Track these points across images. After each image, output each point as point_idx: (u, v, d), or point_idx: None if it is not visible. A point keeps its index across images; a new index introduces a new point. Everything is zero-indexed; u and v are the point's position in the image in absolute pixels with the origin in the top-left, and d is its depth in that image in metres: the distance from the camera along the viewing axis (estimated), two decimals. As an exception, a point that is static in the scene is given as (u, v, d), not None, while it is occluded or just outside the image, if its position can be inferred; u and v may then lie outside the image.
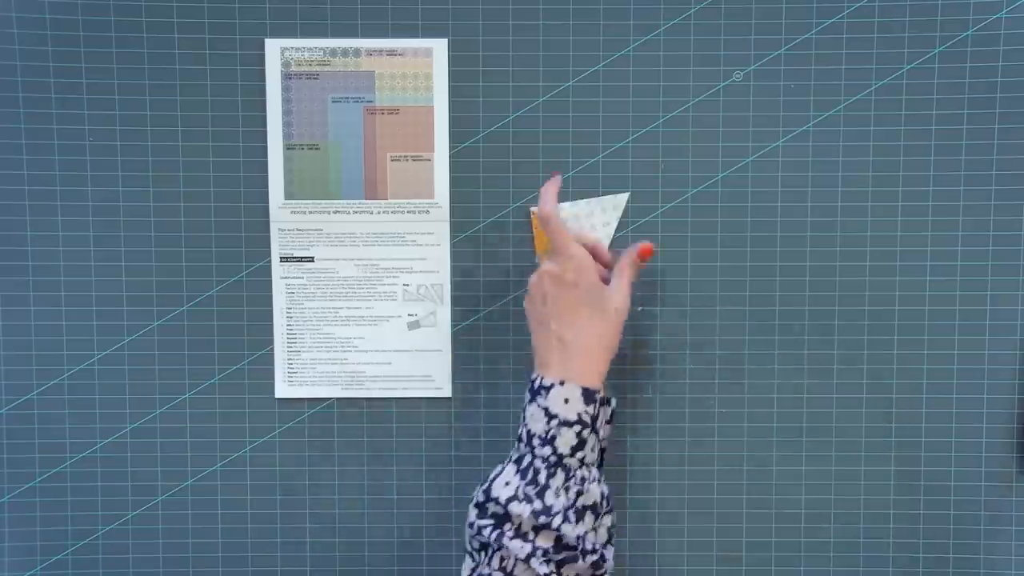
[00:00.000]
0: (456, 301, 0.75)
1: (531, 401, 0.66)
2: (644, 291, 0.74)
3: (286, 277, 0.75)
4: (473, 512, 0.64)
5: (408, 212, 0.74)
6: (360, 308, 0.75)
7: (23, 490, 0.75)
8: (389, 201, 0.74)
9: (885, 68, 0.73)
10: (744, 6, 0.73)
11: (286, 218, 0.74)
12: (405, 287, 0.75)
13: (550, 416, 0.64)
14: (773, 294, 0.74)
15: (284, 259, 0.75)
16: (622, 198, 0.74)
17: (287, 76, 0.73)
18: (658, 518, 0.76)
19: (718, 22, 0.73)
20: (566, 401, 0.64)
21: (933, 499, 0.75)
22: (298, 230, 0.74)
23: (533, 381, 0.66)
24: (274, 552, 0.76)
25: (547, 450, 0.64)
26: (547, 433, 0.64)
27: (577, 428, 0.64)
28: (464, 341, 0.75)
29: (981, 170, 0.74)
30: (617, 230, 0.75)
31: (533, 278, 0.68)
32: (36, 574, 0.75)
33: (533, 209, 0.74)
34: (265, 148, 0.74)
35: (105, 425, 0.75)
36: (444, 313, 0.75)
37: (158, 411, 0.75)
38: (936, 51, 0.73)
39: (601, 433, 0.66)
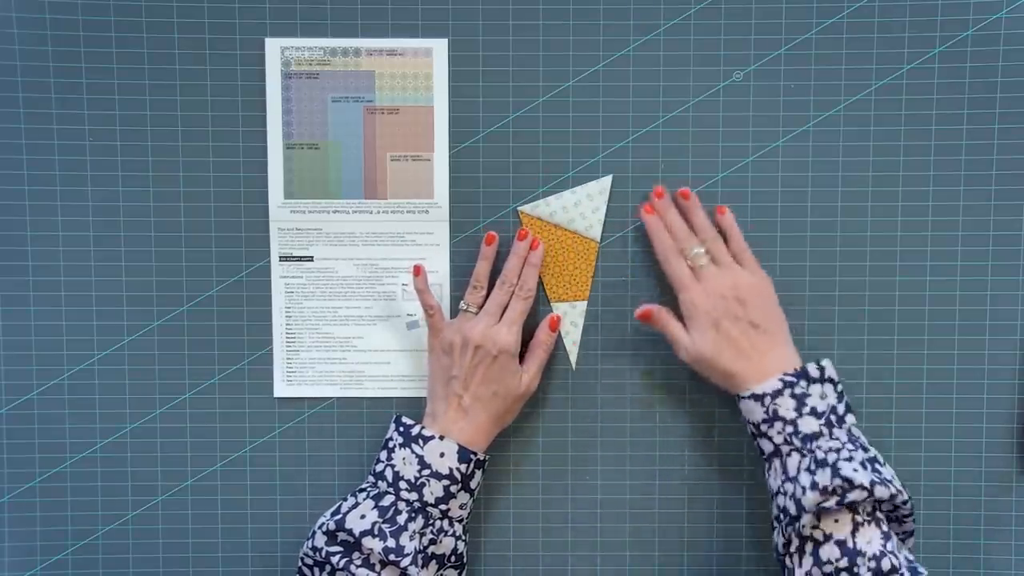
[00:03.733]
0: (455, 301, 0.75)
1: (404, 445, 0.68)
2: (644, 291, 0.74)
3: (285, 276, 0.75)
4: (321, 538, 0.66)
5: (408, 212, 0.74)
6: (359, 308, 0.75)
7: (23, 490, 0.75)
8: (389, 201, 0.74)
9: (885, 68, 0.73)
10: (744, 6, 0.73)
11: (286, 217, 0.74)
12: (404, 287, 0.75)
13: (423, 465, 0.67)
14: (773, 294, 0.74)
15: (284, 259, 0.75)
16: (606, 181, 0.74)
17: (287, 76, 0.73)
18: (658, 518, 0.76)
19: (718, 22, 0.73)
20: (441, 455, 0.67)
21: (933, 499, 0.75)
22: (297, 229, 0.74)
23: (410, 427, 0.69)
24: (274, 552, 0.76)
25: (413, 495, 0.66)
26: (416, 480, 0.67)
27: (446, 482, 0.67)
28: (464, 341, 0.75)
29: (981, 170, 0.73)
30: (618, 230, 0.74)
31: (455, 338, 0.70)
32: (36, 574, 0.75)
33: (522, 209, 0.74)
34: (265, 148, 0.74)
35: (105, 425, 0.75)
36: (443, 313, 0.75)
37: (158, 411, 0.75)
38: (936, 51, 0.73)
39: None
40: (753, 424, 0.66)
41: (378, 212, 0.74)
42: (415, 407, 0.75)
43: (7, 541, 0.75)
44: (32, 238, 0.74)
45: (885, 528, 0.62)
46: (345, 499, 0.69)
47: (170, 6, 0.73)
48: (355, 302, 0.75)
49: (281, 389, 0.75)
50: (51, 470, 0.75)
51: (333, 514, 0.67)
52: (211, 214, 0.74)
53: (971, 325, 0.74)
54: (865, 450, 0.64)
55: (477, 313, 0.71)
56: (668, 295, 0.74)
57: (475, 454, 0.68)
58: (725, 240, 0.71)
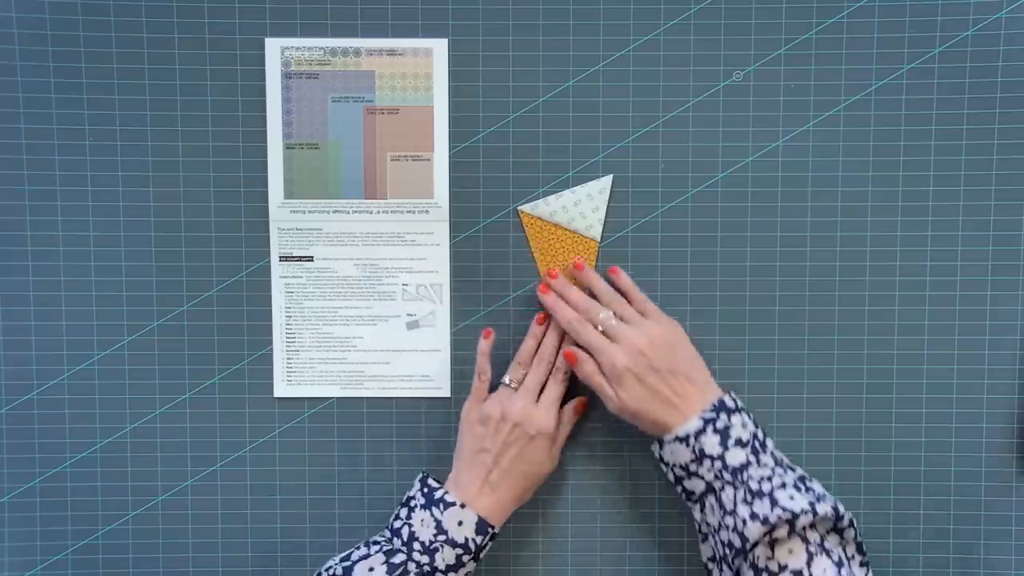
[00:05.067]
0: (455, 301, 0.75)
1: (425, 507, 0.68)
2: (644, 291, 0.74)
3: (285, 276, 0.75)
4: None
5: (408, 212, 0.74)
6: (359, 308, 0.75)
7: (23, 490, 0.75)
8: (389, 201, 0.74)
9: (885, 68, 0.73)
10: (744, 6, 0.73)
11: (286, 217, 0.74)
12: (404, 287, 0.75)
13: (440, 530, 0.67)
14: (773, 294, 0.74)
15: (284, 258, 0.75)
16: (606, 181, 0.74)
17: (287, 76, 0.73)
18: (658, 518, 0.76)
19: (718, 22, 0.73)
20: (460, 523, 0.67)
21: (933, 499, 0.75)
22: (297, 229, 0.75)
23: (435, 490, 0.69)
24: (274, 552, 0.76)
25: (425, 558, 0.67)
26: (431, 544, 0.67)
27: (459, 551, 0.67)
28: (463, 341, 0.75)
29: (981, 170, 0.73)
30: (618, 230, 0.74)
31: (494, 411, 0.70)
32: (36, 574, 0.75)
33: (522, 209, 0.74)
34: (265, 148, 0.74)
35: (105, 425, 0.75)
36: (443, 313, 0.75)
37: (158, 411, 0.75)
38: (936, 51, 0.73)
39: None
40: (680, 466, 0.67)
41: (378, 212, 0.74)
42: (415, 407, 0.75)
43: (7, 541, 0.75)
44: (32, 238, 0.74)
45: (836, 557, 0.63)
46: (357, 547, 0.69)
47: (170, 6, 0.73)
48: (355, 302, 0.75)
49: (281, 389, 0.75)
50: (51, 470, 0.75)
51: (342, 560, 0.67)
52: (211, 214, 0.74)
53: (971, 325, 0.74)
54: (792, 470, 0.66)
55: (517, 389, 0.72)
56: (669, 291, 0.74)
57: (492, 527, 0.68)
58: (627, 299, 0.72)
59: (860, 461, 0.75)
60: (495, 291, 0.75)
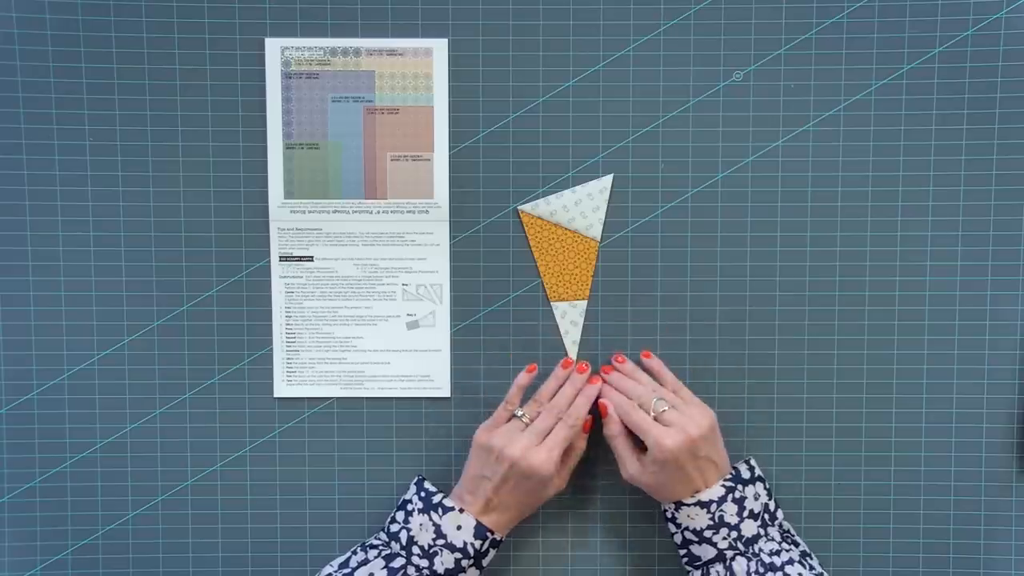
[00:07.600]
0: (455, 301, 0.75)
1: (423, 511, 0.68)
2: (644, 291, 0.74)
3: (285, 276, 0.75)
4: None
5: (407, 212, 0.74)
6: (359, 308, 0.75)
7: (23, 490, 0.75)
8: (388, 201, 0.74)
9: (885, 68, 0.73)
10: (744, 6, 0.73)
11: (285, 217, 0.74)
12: (404, 287, 0.75)
13: (439, 534, 0.67)
14: (773, 294, 0.74)
15: (284, 258, 0.75)
16: (606, 181, 0.74)
17: (287, 76, 0.73)
18: (658, 517, 0.76)
19: (718, 22, 0.73)
20: (458, 528, 0.68)
21: (933, 499, 0.75)
22: (297, 229, 0.75)
23: (432, 494, 0.69)
24: (274, 552, 0.76)
25: (424, 562, 0.67)
26: (430, 548, 0.67)
27: (459, 555, 0.67)
28: (463, 341, 0.75)
29: (981, 170, 0.73)
30: (618, 230, 0.74)
31: (496, 444, 0.69)
32: (36, 574, 0.75)
33: (522, 209, 0.74)
34: (265, 148, 0.74)
35: (105, 425, 0.75)
36: (443, 313, 0.75)
37: (158, 411, 0.75)
38: (936, 51, 0.73)
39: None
40: (693, 531, 0.68)
41: (378, 212, 0.74)
42: (415, 407, 0.75)
43: (7, 541, 0.75)
44: (32, 238, 0.74)
45: None
46: (354, 552, 0.69)
47: (170, 6, 0.73)
48: (355, 302, 0.75)
49: (281, 389, 0.75)
50: (51, 470, 0.75)
51: (341, 567, 0.68)
52: (211, 214, 0.74)
53: (971, 325, 0.74)
54: (796, 544, 0.69)
55: (528, 425, 0.71)
56: (669, 291, 0.74)
57: (492, 532, 0.68)
58: (659, 382, 0.73)
59: (860, 461, 0.75)
60: (495, 291, 0.75)
